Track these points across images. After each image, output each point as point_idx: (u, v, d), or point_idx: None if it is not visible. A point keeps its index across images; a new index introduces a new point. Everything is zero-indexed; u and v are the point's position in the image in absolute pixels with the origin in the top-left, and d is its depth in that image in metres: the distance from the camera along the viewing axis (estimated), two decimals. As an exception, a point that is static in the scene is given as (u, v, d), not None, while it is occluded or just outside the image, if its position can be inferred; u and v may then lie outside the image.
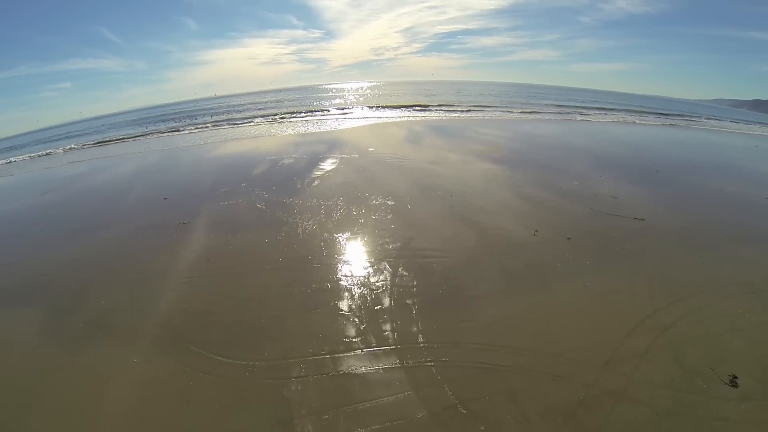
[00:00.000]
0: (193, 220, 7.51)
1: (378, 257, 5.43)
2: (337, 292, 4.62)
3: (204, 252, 6.01)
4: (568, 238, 5.99)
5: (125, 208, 8.89)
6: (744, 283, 4.99)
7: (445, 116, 25.02)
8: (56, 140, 33.78)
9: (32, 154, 23.71)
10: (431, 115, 25.52)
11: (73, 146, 25.01)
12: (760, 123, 38.91)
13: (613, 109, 37.47)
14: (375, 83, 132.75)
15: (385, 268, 5.10)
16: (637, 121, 28.15)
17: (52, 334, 4.37)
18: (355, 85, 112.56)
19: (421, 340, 3.71)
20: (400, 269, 5.04)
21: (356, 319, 4.06)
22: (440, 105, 33.30)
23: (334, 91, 79.83)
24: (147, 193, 10.14)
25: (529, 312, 4.13)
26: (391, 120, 23.36)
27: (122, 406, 3.20)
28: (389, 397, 3.07)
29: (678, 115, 37.62)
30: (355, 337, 3.78)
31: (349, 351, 3.59)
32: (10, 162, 22.12)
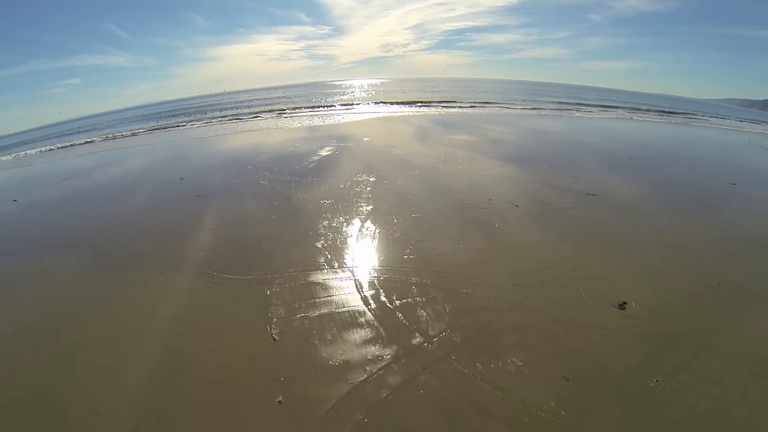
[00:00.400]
0: (206, 194, 8.78)
1: (351, 215, 6.65)
2: (316, 236, 5.85)
3: (215, 213, 7.30)
4: (516, 205, 7.09)
5: (145, 187, 10.21)
6: (668, 243, 5.80)
7: (443, 112, 26.05)
8: (68, 135, 35.22)
9: (46, 147, 25.31)
10: (430, 111, 26.58)
11: (88, 140, 26.60)
12: (767, 123, 38.40)
13: (615, 107, 37.79)
14: (383, 80, 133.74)
15: (356, 223, 6.31)
16: (634, 118, 28.73)
17: (94, 268, 5.65)
18: (362, 82, 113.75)
19: (371, 265, 4.90)
20: (367, 222, 6.25)
21: (326, 252, 5.29)
22: (441, 102, 34.27)
23: (341, 87, 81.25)
24: (164, 176, 11.49)
25: (460, 252, 5.27)
26: (392, 115, 24.50)
27: (151, 304, 4.46)
28: (339, 295, 4.27)
29: (681, 113, 37.69)
30: (322, 262, 5.00)
31: (316, 270, 4.82)
32: (26, 154, 23.75)
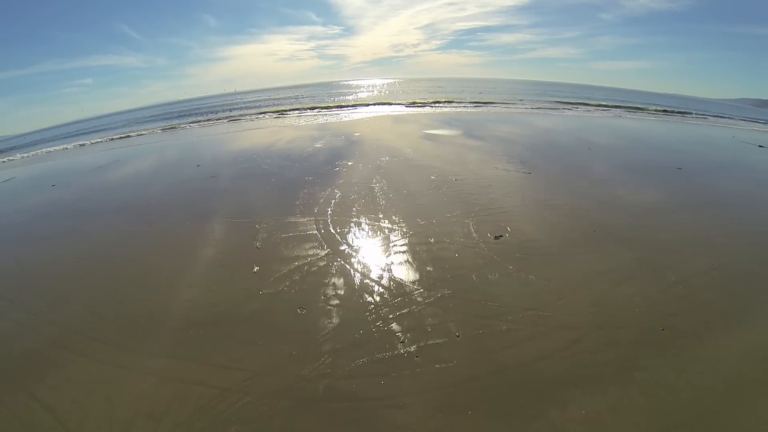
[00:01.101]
0: (219, 174, 11.13)
1: (325, 185, 8.96)
2: (296, 198, 8.21)
3: (225, 186, 9.72)
4: (455, 180, 9.19)
5: (168, 172, 12.68)
6: (570, 205, 7.54)
7: (438, 111, 28.15)
8: (84, 134, 37.43)
9: (70, 144, 28.07)
10: (425, 110, 28.73)
11: (107, 138, 29.31)
12: None
13: (615, 106, 38.79)
14: (392, 80, 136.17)
15: (328, 191, 8.59)
16: (626, 116, 30.20)
17: (139, 221, 8.01)
18: (371, 82, 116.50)
19: (328, 212, 7.16)
20: (334, 189, 8.54)
21: (301, 206, 7.62)
22: (440, 102, 36.30)
23: (349, 87, 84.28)
24: (183, 164, 13.93)
25: (393, 206, 7.47)
26: (389, 114, 26.76)
27: (183, 235, 6.79)
28: (303, 227, 6.58)
29: (683, 112, 38.28)
30: (296, 211, 7.34)
31: (291, 215, 7.14)
32: (48, 151, 26.24)
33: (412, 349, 3.84)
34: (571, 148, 14.00)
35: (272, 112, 33.12)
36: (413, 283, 4.96)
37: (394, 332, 4.05)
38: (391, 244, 5.95)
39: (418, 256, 5.63)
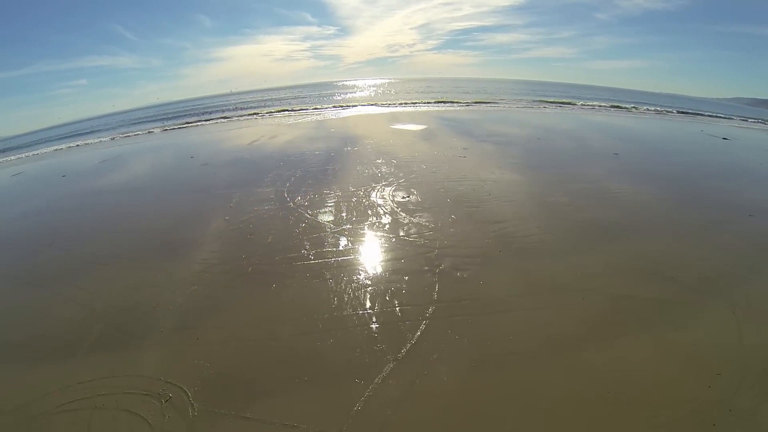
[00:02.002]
0: (210, 162, 13.59)
1: (292, 168, 11.43)
2: (266, 176, 10.69)
3: (214, 170, 12.21)
4: (394, 162, 11.62)
5: (167, 162, 15.27)
6: (481, 178, 9.82)
7: (417, 109, 30.60)
8: (81, 134, 39.34)
9: (73, 143, 30.58)
10: (407, 109, 31.19)
11: (104, 138, 31.80)
12: (757, 119, 37.98)
13: (602, 105, 40.43)
14: (386, 80, 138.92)
15: (292, 171, 11.06)
16: (604, 113, 32.21)
17: (140, 197, 10.49)
18: (365, 83, 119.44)
19: (287, 185, 9.66)
20: (298, 171, 11.02)
21: (268, 180, 10.11)
22: (424, 102, 38.71)
23: (342, 88, 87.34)
24: (178, 156, 16.51)
25: (337, 180, 9.93)
26: (372, 113, 29.23)
27: (181, 201, 9.32)
28: (265, 194, 9.05)
29: (669, 110, 39.59)
30: (263, 185, 9.82)
31: (260, 187, 9.66)
32: (54, 150, 28.02)
33: (311, 253, 6.29)
34: (521, 139, 16.17)
35: (264, 113, 35.73)
36: (328, 222, 7.45)
37: (303, 245, 6.52)
38: (323, 202, 8.44)
39: (338, 208, 8.12)
